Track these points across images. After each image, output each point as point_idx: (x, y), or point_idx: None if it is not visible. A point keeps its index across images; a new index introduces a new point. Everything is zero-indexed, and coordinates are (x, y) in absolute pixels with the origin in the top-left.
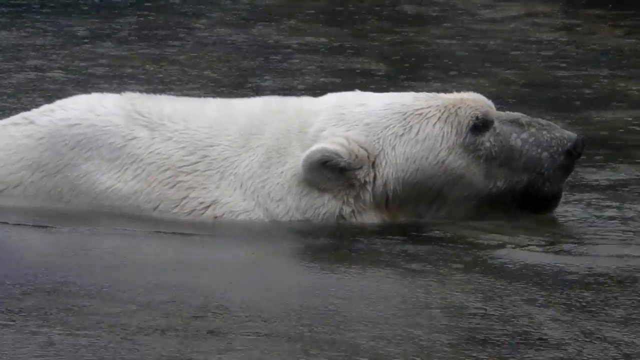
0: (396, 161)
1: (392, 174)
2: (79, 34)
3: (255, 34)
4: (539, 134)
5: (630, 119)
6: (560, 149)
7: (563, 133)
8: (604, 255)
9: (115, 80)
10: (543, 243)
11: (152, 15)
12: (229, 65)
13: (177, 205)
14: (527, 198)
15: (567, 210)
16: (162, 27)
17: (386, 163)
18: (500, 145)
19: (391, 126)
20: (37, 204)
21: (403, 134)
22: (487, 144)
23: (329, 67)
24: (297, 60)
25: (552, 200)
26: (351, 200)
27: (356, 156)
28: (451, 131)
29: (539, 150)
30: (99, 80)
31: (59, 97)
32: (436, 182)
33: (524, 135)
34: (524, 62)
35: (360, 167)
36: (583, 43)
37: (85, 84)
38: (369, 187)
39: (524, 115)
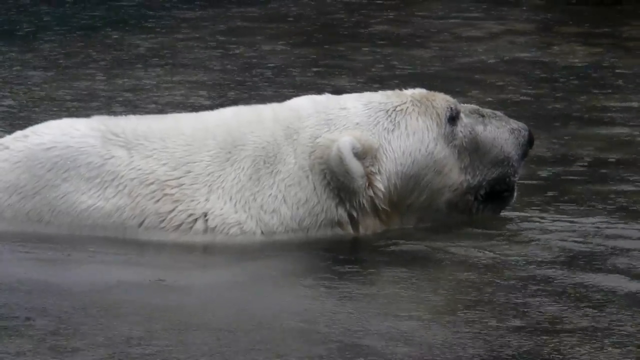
0: (394, 155)
1: (392, 168)
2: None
3: (231, 54)
4: (501, 126)
5: (608, 136)
6: (522, 140)
7: (517, 124)
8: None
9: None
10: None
11: (121, 38)
12: (204, 88)
13: (163, 219)
14: (490, 195)
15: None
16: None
17: (386, 158)
18: (470, 137)
19: (380, 123)
20: (16, 227)
21: (394, 129)
22: (460, 134)
23: (304, 86)
24: (274, 81)
25: (512, 193)
26: (362, 201)
27: (363, 145)
28: (432, 123)
29: (508, 144)
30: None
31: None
32: (427, 174)
33: (490, 128)
34: (501, 80)
35: (365, 157)
36: (560, 61)
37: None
38: (379, 177)
39: (478, 106)
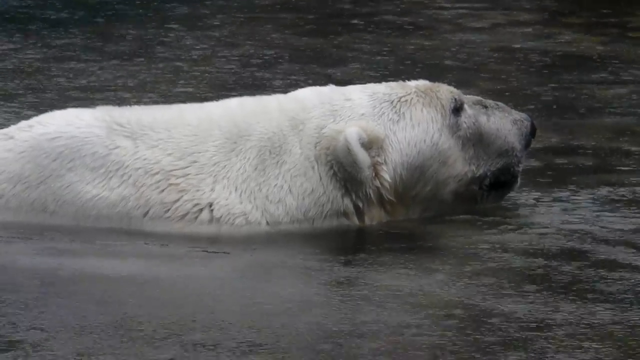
0: (400, 146)
1: (398, 159)
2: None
3: (235, 44)
4: (504, 117)
5: (613, 126)
6: (525, 131)
7: (520, 114)
8: None
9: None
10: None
11: (125, 32)
12: (209, 79)
13: (168, 209)
14: (495, 184)
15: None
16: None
17: (392, 149)
18: (474, 128)
19: (385, 114)
20: (20, 216)
21: (399, 120)
22: (464, 125)
23: (310, 77)
24: (279, 71)
25: (515, 181)
26: (368, 191)
27: (369, 135)
28: (437, 114)
29: (511, 135)
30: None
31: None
32: (432, 164)
33: (493, 119)
34: (505, 70)
35: (371, 148)
36: (566, 51)
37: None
38: (385, 168)
39: (481, 98)
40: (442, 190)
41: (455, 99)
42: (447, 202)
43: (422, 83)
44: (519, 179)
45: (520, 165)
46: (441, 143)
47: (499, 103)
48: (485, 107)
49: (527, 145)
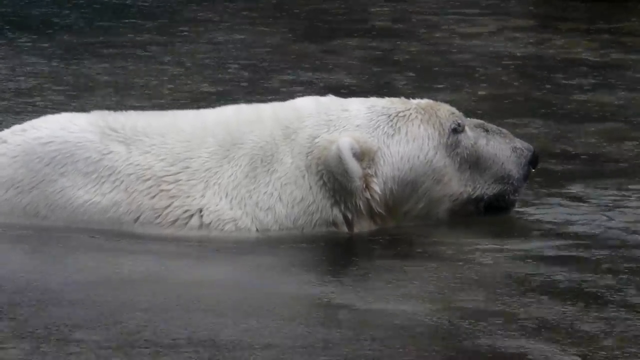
0: (392, 160)
1: (389, 173)
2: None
3: (225, 48)
4: (504, 143)
5: (606, 131)
6: (524, 160)
7: (522, 143)
8: None
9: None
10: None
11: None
12: (199, 84)
13: (159, 215)
14: (490, 208)
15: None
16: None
17: (384, 162)
18: (471, 150)
19: (380, 127)
20: (12, 221)
21: (394, 134)
22: (462, 146)
23: (300, 82)
24: (269, 77)
25: (511, 206)
26: (358, 202)
27: (362, 146)
28: (434, 132)
29: (509, 162)
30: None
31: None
32: (424, 181)
33: (493, 144)
34: (498, 77)
35: (363, 159)
36: (558, 58)
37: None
38: (376, 180)
39: (483, 122)
40: (436, 208)
41: (455, 119)
42: (443, 220)
43: (424, 101)
44: (515, 205)
45: (516, 194)
46: (436, 161)
47: (502, 129)
48: (487, 130)
49: (526, 175)
